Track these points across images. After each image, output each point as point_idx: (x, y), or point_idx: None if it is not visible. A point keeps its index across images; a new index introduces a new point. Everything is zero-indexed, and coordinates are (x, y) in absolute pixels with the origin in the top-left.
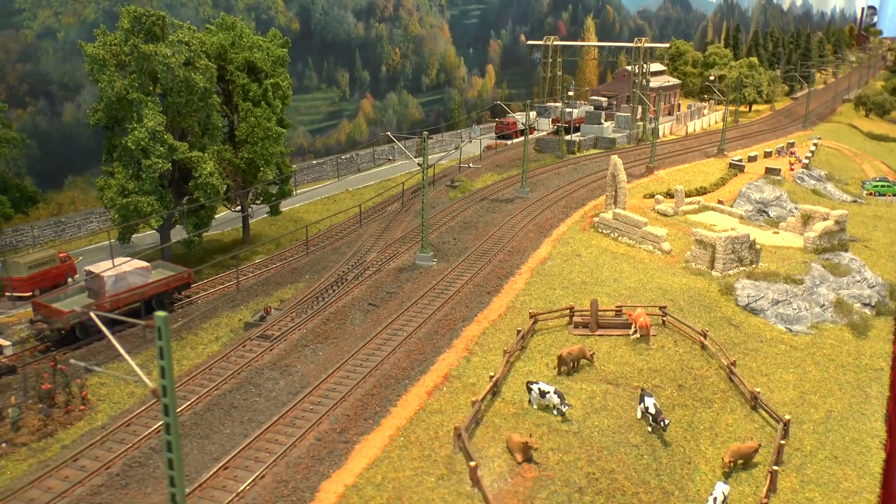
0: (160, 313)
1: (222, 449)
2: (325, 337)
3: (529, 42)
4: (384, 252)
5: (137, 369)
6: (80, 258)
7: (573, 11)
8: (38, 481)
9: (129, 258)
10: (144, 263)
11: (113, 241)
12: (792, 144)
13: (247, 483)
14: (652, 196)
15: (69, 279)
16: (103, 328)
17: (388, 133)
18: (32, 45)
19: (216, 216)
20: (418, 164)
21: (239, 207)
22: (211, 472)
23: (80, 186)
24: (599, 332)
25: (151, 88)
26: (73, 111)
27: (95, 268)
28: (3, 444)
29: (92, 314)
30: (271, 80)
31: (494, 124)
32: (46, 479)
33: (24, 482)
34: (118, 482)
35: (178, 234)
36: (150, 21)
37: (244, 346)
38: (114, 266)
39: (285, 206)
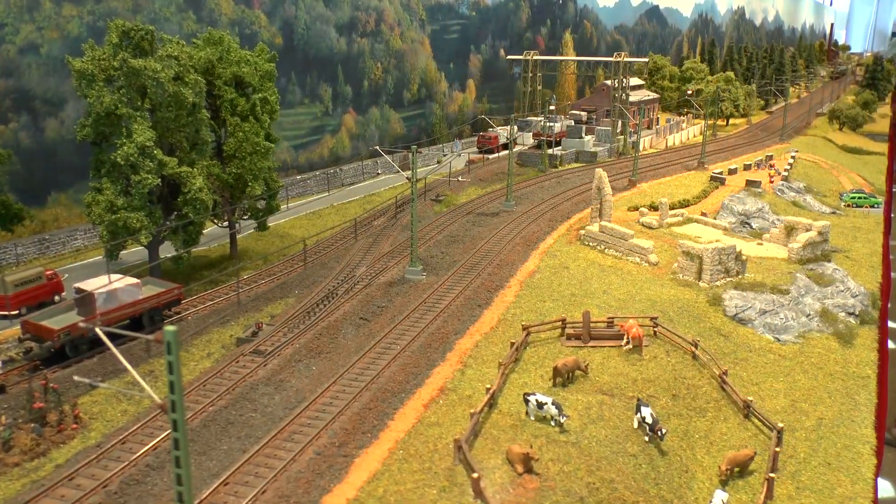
0: (169, 327)
1: (220, 465)
2: (319, 351)
3: (509, 57)
4: (373, 266)
5: (144, 384)
6: (66, 276)
7: (551, 26)
8: (33, 501)
9: (120, 275)
10: (135, 280)
11: (100, 257)
12: (770, 157)
13: (248, 499)
14: (636, 209)
15: (56, 297)
16: (108, 343)
17: (378, 147)
18: (15, 60)
19: (203, 232)
20: (407, 178)
21: (226, 223)
22: (211, 488)
23: (63, 203)
24: (592, 343)
25: (140, 103)
26: (57, 127)
27: (85, 285)
28: None
29: (98, 329)
30: (259, 95)
31: (476, 138)
32: (42, 498)
33: (18, 502)
34: (116, 501)
35: (166, 250)
36: (138, 35)
37: (237, 362)
38: (109, 282)
39: (271, 221)
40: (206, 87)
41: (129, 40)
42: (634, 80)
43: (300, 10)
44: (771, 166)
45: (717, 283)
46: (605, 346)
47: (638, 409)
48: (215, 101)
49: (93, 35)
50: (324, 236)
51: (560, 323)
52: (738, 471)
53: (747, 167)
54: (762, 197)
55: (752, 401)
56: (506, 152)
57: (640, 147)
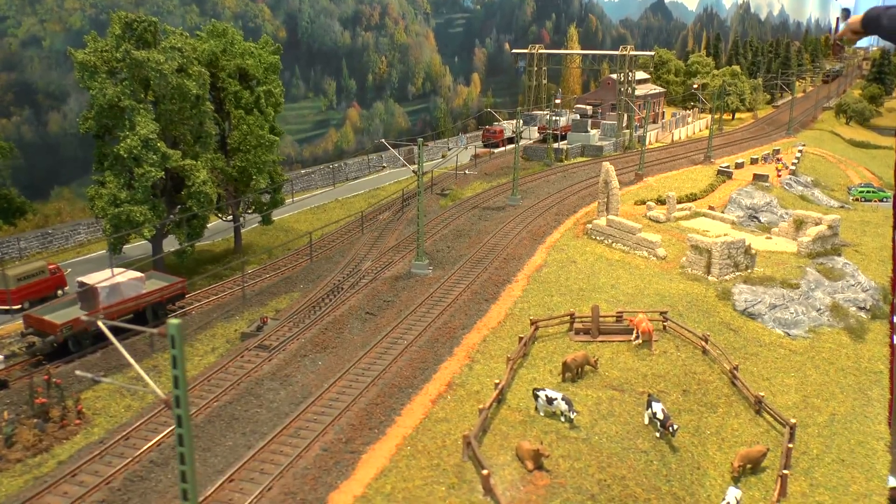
0: (173, 321)
1: (226, 461)
2: (324, 346)
3: (514, 51)
4: (379, 261)
5: (148, 379)
6: (69, 270)
7: (556, 20)
8: (36, 497)
9: (123, 269)
10: (138, 274)
11: (102, 252)
12: (777, 151)
13: (254, 495)
14: (643, 203)
15: (59, 291)
16: (112, 337)
17: (384, 140)
18: (17, 53)
19: (207, 226)
20: (413, 172)
21: (230, 217)
22: (217, 485)
23: (66, 197)
24: (601, 338)
25: (143, 95)
26: (59, 120)
27: (88, 279)
28: None
29: (100, 323)
30: (263, 88)
31: (482, 132)
32: (45, 495)
33: (21, 499)
34: (119, 497)
35: (170, 244)
36: (141, 27)
37: (242, 357)
38: (112, 276)
39: (275, 215)
40: (210, 79)
41: (132, 32)
42: (640, 74)
43: (304, 3)
44: (778, 160)
45: (727, 277)
46: (614, 341)
47: (649, 405)
48: (219, 93)
49: (95, 28)
50: (329, 230)
51: (569, 317)
52: (750, 467)
53: (754, 161)
54: (770, 191)
55: (763, 396)
56: (511, 146)
57: (647, 141)
